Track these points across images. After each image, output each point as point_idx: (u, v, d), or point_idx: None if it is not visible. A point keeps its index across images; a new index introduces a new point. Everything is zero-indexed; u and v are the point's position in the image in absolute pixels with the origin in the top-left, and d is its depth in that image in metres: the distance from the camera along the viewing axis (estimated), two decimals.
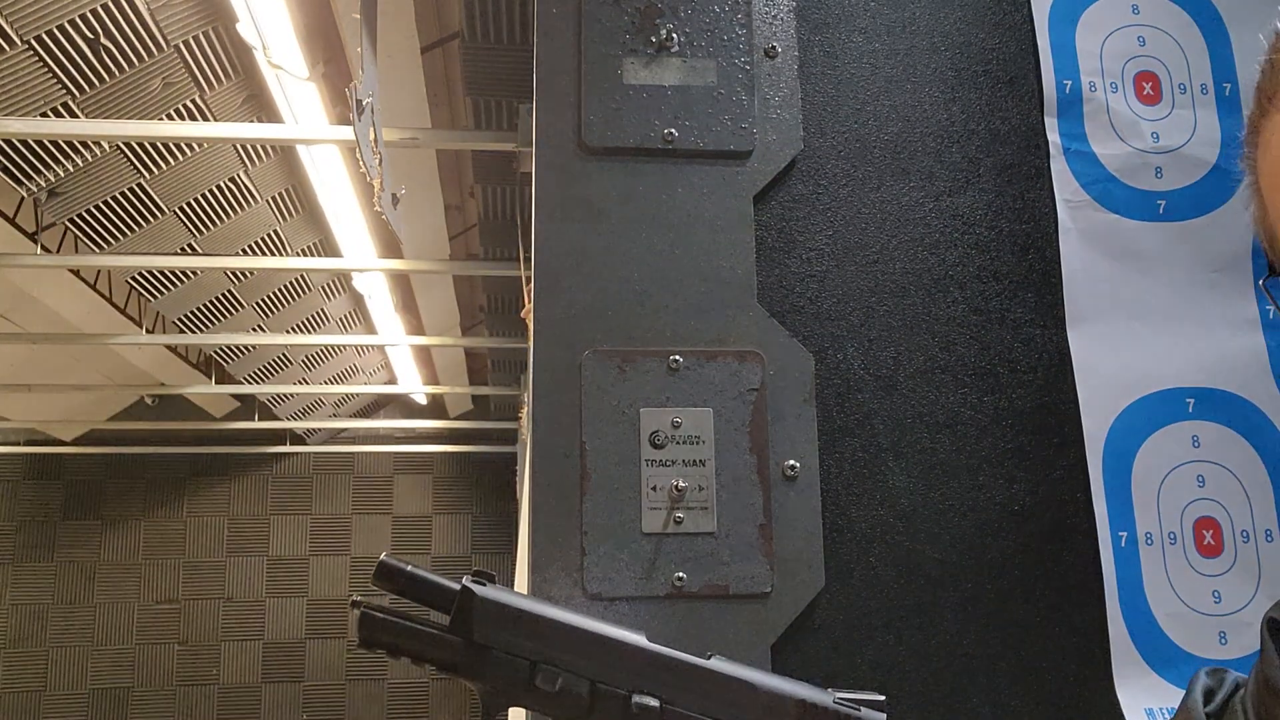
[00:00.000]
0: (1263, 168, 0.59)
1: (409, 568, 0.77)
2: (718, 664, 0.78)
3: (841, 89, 1.29)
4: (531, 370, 1.20)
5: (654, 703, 0.75)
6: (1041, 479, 1.23)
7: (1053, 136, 1.31)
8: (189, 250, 4.29)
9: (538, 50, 1.23)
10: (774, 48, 1.26)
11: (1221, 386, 1.26)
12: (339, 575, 7.54)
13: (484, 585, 0.77)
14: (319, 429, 7.55)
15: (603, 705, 0.76)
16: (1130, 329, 1.27)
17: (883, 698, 0.79)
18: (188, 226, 4.13)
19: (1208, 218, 1.31)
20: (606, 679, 0.76)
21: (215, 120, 3.56)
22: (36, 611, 7.17)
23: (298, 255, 4.70)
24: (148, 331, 4.98)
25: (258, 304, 5.07)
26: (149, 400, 6.85)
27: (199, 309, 4.86)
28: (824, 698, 0.78)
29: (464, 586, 0.77)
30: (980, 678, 1.16)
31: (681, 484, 1.12)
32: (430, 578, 0.78)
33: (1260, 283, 0.63)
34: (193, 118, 3.50)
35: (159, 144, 3.55)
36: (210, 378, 6.06)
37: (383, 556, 0.77)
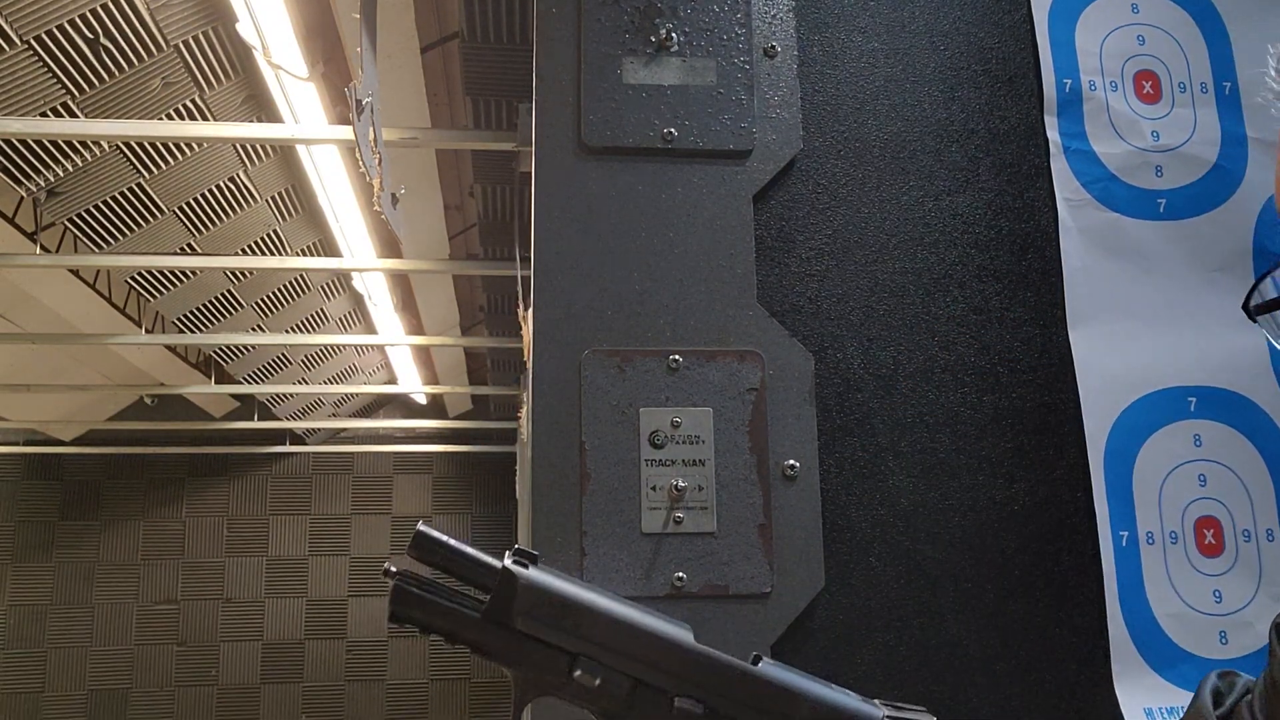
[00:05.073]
0: None
1: (449, 540, 0.72)
2: (766, 669, 0.73)
3: (841, 89, 1.29)
4: (531, 370, 1.19)
5: (697, 708, 0.72)
6: (1041, 479, 1.23)
7: (1052, 135, 1.31)
8: (188, 250, 4.29)
9: (538, 50, 1.23)
10: (773, 47, 1.26)
11: (1223, 385, 1.26)
12: (338, 575, 7.53)
13: (526, 567, 0.72)
14: (319, 429, 7.55)
15: (643, 704, 0.72)
16: (1131, 328, 1.27)
17: (933, 718, 0.75)
18: (187, 226, 4.13)
19: (1208, 216, 1.31)
20: (650, 678, 0.72)
21: (215, 120, 3.55)
22: (36, 611, 7.16)
23: (297, 255, 4.69)
24: (147, 331, 4.98)
25: (257, 304, 5.07)
26: (148, 400, 6.84)
27: (198, 309, 4.86)
28: (874, 711, 0.74)
29: (505, 568, 0.71)
30: (980, 678, 1.16)
31: (681, 484, 1.12)
32: (471, 554, 0.72)
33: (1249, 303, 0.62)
34: (192, 118, 3.49)
35: (159, 144, 3.54)
36: (210, 378, 6.06)
37: (419, 526, 0.72)
